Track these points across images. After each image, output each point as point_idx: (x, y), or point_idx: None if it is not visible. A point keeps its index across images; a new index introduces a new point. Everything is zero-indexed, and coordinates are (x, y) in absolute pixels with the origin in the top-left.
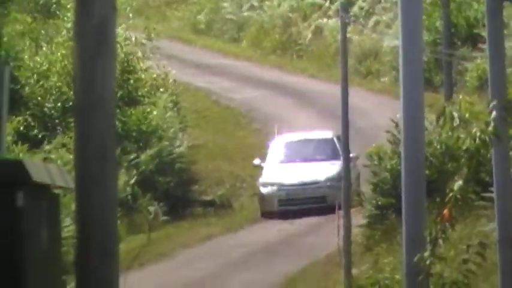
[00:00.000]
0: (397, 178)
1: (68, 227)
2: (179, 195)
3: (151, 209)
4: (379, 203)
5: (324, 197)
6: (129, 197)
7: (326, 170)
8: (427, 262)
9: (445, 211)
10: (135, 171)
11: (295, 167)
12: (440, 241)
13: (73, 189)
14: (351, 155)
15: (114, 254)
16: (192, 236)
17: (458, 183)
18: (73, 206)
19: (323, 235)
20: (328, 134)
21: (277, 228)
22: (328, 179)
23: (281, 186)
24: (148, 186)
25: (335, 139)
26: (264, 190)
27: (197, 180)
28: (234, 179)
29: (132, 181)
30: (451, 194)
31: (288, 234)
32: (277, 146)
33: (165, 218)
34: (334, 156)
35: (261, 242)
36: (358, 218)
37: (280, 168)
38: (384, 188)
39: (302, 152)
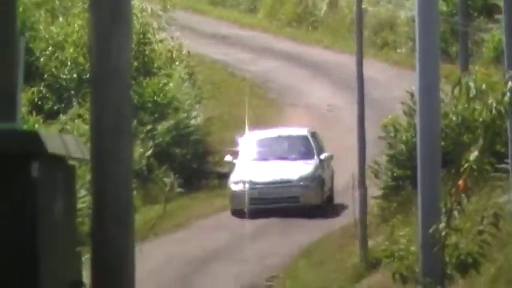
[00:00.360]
0: (413, 150)
1: (83, 198)
2: (195, 167)
3: (167, 180)
4: (395, 174)
5: (297, 197)
6: (145, 168)
7: (300, 169)
8: (443, 233)
9: (460, 182)
10: (151, 143)
11: (268, 165)
12: (456, 212)
13: (89, 160)
14: (325, 154)
15: (130, 224)
16: (207, 207)
17: (473, 155)
18: (88, 177)
19: (339, 206)
20: (302, 131)
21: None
22: (302, 179)
23: (253, 184)
24: (164, 157)
25: (309, 137)
26: (235, 188)
27: (213, 151)
28: None
29: (148, 153)
30: (466, 165)
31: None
32: (249, 143)
33: (180, 189)
34: (308, 154)
35: (276, 213)
36: (374, 190)
37: (253, 166)
38: (400, 159)
39: (275, 150)
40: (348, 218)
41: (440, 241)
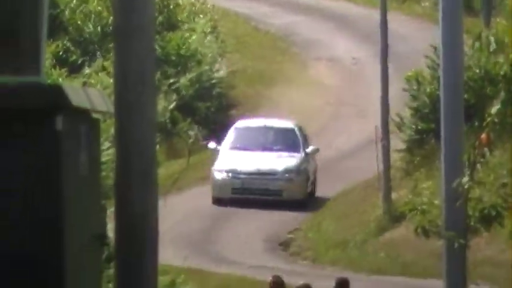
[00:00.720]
0: (437, 103)
1: (107, 151)
2: (218, 120)
3: (191, 133)
4: (419, 127)
5: (281, 190)
6: (168, 121)
7: (284, 161)
8: (466, 187)
9: (483, 136)
10: (174, 96)
11: (252, 155)
12: (479, 166)
13: (113, 113)
14: (311, 147)
15: (153, 177)
16: None
17: (495, 108)
18: (112, 131)
19: (362, 159)
20: (289, 123)
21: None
22: (287, 171)
23: (236, 173)
24: (188, 110)
25: (296, 130)
26: (218, 176)
27: (236, 105)
28: (272, 103)
29: (172, 106)
30: (489, 119)
31: (328, 158)
32: (235, 131)
33: (204, 142)
34: (294, 147)
35: None
36: (397, 143)
37: (237, 155)
38: (423, 112)
39: (261, 140)
40: (371, 171)
41: (463, 194)
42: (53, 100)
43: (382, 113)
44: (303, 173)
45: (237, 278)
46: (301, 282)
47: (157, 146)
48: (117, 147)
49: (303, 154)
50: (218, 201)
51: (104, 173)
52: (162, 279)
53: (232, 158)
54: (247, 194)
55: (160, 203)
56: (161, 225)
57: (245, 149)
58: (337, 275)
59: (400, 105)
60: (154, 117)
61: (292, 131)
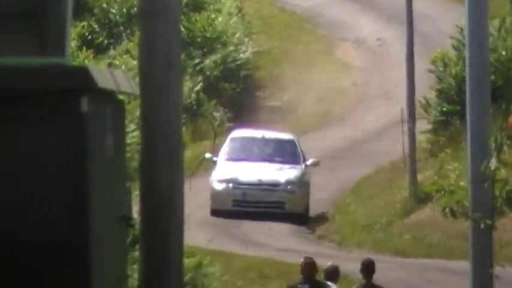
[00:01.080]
0: (462, 84)
1: (132, 133)
2: (244, 101)
3: (217, 115)
4: (444, 109)
5: (283, 202)
6: (194, 103)
7: (286, 173)
8: (493, 168)
9: (511, 118)
10: (200, 77)
11: (252, 166)
12: (506, 147)
13: (138, 95)
14: (311, 160)
15: (179, 159)
16: None
17: None
18: (137, 112)
19: (388, 141)
20: (288, 135)
21: (342, 135)
22: (289, 183)
23: (238, 184)
24: (214, 92)
25: (296, 141)
26: (217, 187)
27: (262, 86)
28: (298, 84)
29: (197, 87)
30: None
31: (354, 140)
32: (231, 142)
33: (230, 124)
34: (295, 159)
35: (326, 148)
36: (422, 124)
37: (235, 166)
38: (449, 94)
39: (259, 151)
40: (397, 153)
41: (490, 176)
42: (78, 82)
43: (407, 94)
44: (305, 185)
45: (262, 260)
46: (329, 263)
47: (183, 128)
48: (142, 129)
49: (304, 166)
50: (217, 213)
51: (128, 155)
52: (188, 261)
53: (231, 168)
54: (248, 207)
55: (186, 185)
56: (186, 207)
57: (243, 159)
58: (363, 256)
59: (426, 87)
60: (179, 98)
61: (291, 142)
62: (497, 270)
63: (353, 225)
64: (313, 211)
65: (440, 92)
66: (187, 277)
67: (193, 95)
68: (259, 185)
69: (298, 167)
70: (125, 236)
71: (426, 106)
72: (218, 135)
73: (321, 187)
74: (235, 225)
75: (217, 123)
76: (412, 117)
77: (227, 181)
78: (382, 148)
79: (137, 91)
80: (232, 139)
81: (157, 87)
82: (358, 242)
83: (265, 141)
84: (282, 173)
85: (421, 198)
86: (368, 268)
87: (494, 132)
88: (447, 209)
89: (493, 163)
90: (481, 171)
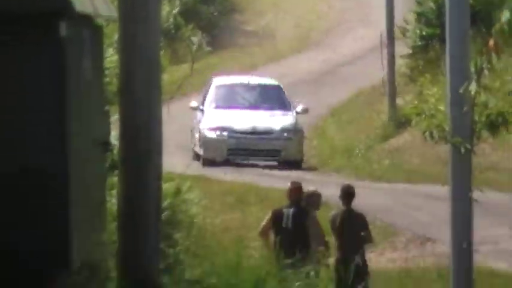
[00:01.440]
0: (442, 7)
1: (111, 57)
2: (222, 25)
3: (194, 39)
4: (424, 33)
5: (279, 151)
6: (172, 27)
7: (280, 120)
8: (472, 92)
9: (491, 41)
10: (177, 1)
11: (243, 113)
12: (486, 71)
13: (116, 18)
14: (300, 106)
15: (157, 83)
16: (235, 66)
17: (505, 16)
18: (116, 37)
19: (367, 65)
20: (273, 80)
21: (320, 59)
22: (284, 130)
23: (232, 132)
24: (191, 16)
25: (281, 87)
26: (210, 135)
27: (240, 10)
28: (275, 8)
29: (175, 11)
30: (497, 25)
31: (333, 64)
32: (216, 89)
33: (208, 48)
34: (283, 106)
35: (304, 72)
36: (402, 48)
37: (226, 114)
38: (428, 17)
39: (247, 98)
40: (376, 77)
41: (470, 100)
42: (56, 5)
43: (387, 18)
44: (300, 132)
45: (241, 184)
46: (310, 188)
47: (161, 52)
48: (120, 53)
49: (295, 113)
50: (210, 162)
51: (107, 79)
52: (167, 187)
53: (221, 116)
54: (243, 155)
55: (164, 108)
56: (165, 131)
57: (232, 107)
58: (342, 182)
59: (405, 11)
60: (158, 22)
61: (278, 88)
62: (476, 194)
63: (332, 150)
64: None
65: (420, 16)
66: (165, 203)
67: (171, 19)
68: (254, 133)
69: (289, 113)
70: (103, 160)
71: (405, 30)
72: (196, 59)
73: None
74: None
75: (195, 47)
76: (391, 41)
77: (220, 129)
78: (361, 72)
79: (115, 14)
80: (218, 87)
81: (136, 10)
82: (337, 167)
83: (250, 87)
84: (276, 120)
85: (400, 122)
86: (347, 194)
87: (474, 56)
88: (427, 133)
89: (473, 87)
90: (460, 95)
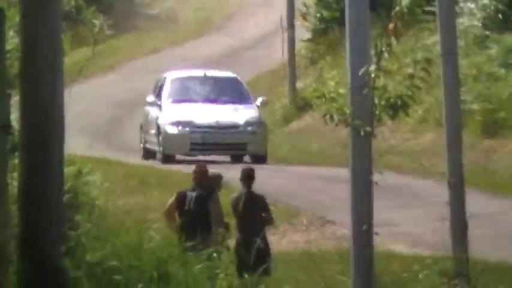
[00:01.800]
0: None
1: (12, 39)
2: (124, 9)
3: (96, 22)
4: (323, 16)
5: (244, 144)
6: (73, 10)
7: (243, 113)
8: (372, 75)
9: (391, 25)
10: None
11: (204, 107)
12: (386, 54)
13: (17, 1)
14: (260, 99)
15: (58, 67)
16: (137, 50)
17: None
18: (17, 19)
19: (268, 49)
20: (229, 73)
21: (223, 43)
22: (248, 123)
23: (195, 127)
24: None
25: (239, 79)
26: (171, 130)
27: None
28: None
29: None
30: (397, 8)
31: (233, 47)
32: (172, 83)
33: (109, 31)
34: (243, 99)
35: (206, 55)
36: (302, 32)
37: (185, 108)
38: (328, 1)
39: (205, 92)
40: (277, 60)
41: (369, 83)
42: None
43: (287, 2)
44: (264, 126)
45: (143, 167)
46: (211, 171)
47: (62, 35)
48: (21, 36)
49: (256, 106)
50: (170, 158)
51: (8, 62)
52: (68, 169)
53: (181, 110)
54: (207, 150)
55: (66, 91)
56: (67, 114)
57: (190, 101)
58: (243, 164)
59: None
60: (59, 5)
61: (235, 80)
62: (376, 177)
63: None
64: None
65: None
66: (67, 185)
67: (73, 2)
68: (217, 128)
69: (252, 106)
70: (3, 142)
71: (306, 14)
72: (98, 42)
73: None
74: (115, 134)
75: (96, 30)
76: (291, 24)
77: (182, 124)
78: (262, 56)
79: None
80: (173, 80)
81: None
82: None
83: (207, 80)
84: (239, 114)
85: (301, 106)
86: (248, 176)
87: (374, 39)
88: (327, 116)
89: (373, 70)
90: (360, 78)
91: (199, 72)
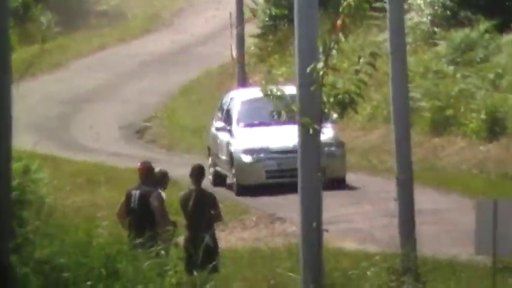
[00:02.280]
0: None
1: None
2: (72, 6)
3: (44, 19)
4: (273, 13)
5: (322, 168)
6: (21, 7)
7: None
8: (320, 73)
9: (339, 21)
10: None
11: (278, 130)
12: (334, 52)
13: None
14: (335, 115)
15: (6, 64)
16: (85, 46)
17: None
18: None
19: (217, 45)
20: (294, 89)
21: (172, 39)
22: (326, 144)
23: (270, 153)
24: None
25: None
26: (245, 159)
27: None
28: None
29: None
30: (345, 4)
31: (183, 44)
32: (241, 105)
33: (57, 28)
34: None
35: (154, 52)
36: (252, 28)
37: (258, 132)
38: None
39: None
40: (226, 57)
41: (318, 80)
42: None
43: None
44: (342, 146)
45: (91, 165)
46: (157, 169)
47: (10, 31)
48: None
49: (332, 123)
50: (246, 189)
51: None
52: (16, 166)
53: (254, 136)
54: (284, 177)
55: (14, 88)
56: (15, 111)
57: (263, 124)
58: (192, 162)
59: None
60: (6, 2)
61: None
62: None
63: (182, 130)
64: (142, 115)
65: None
66: (15, 183)
67: None
68: (293, 152)
69: (328, 124)
70: None
71: (255, 10)
72: (46, 39)
73: (149, 91)
74: (63, 130)
75: (44, 27)
76: (241, 21)
77: (257, 151)
78: (211, 52)
79: None
80: (243, 102)
81: None
82: (187, 147)
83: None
84: None
85: None
86: (197, 173)
87: (322, 36)
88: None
89: (321, 67)
90: (308, 75)
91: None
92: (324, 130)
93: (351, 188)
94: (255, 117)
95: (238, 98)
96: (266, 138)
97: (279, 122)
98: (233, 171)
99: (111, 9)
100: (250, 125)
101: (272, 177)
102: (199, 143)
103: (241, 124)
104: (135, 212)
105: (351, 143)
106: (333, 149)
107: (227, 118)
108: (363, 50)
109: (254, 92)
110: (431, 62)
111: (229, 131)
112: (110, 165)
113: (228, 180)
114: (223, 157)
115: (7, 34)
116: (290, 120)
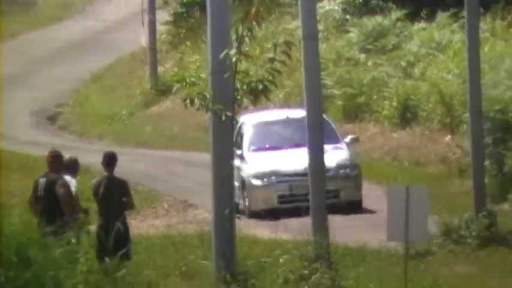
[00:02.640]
0: None
1: None
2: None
3: None
4: (184, 0)
5: (337, 191)
6: None
7: (333, 155)
8: (233, 60)
9: (253, 9)
10: None
11: (289, 153)
12: (247, 39)
13: None
14: (348, 136)
15: None
16: None
17: None
18: None
19: (128, 32)
20: (303, 112)
21: (83, 25)
22: (340, 166)
23: (281, 176)
24: None
25: (325, 116)
26: (257, 183)
27: None
28: None
29: None
30: None
31: (95, 30)
32: (253, 129)
33: None
34: (331, 138)
35: (66, 39)
36: (164, 15)
37: (269, 156)
38: None
39: (288, 135)
40: (138, 44)
41: (231, 67)
42: None
43: None
44: (358, 168)
45: (4, 151)
46: (67, 156)
47: None
48: None
49: (345, 144)
50: (257, 215)
51: None
52: None
53: (265, 160)
54: (297, 201)
55: None
56: None
57: (274, 148)
58: (104, 149)
59: None
60: None
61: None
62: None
63: (94, 117)
64: (54, 102)
65: None
66: None
67: None
68: (305, 175)
69: (341, 146)
70: None
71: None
72: None
73: (61, 78)
74: None
75: None
76: (152, 8)
77: (268, 175)
78: (123, 39)
79: None
80: (254, 126)
81: None
82: (99, 134)
83: (290, 122)
84: (328, 157)
85: (161, 90)
86: (109, 160)
87: (235, 24)
88: (187, 100)
89: (234, 54)
90: (221, 62)
91: (279, 114)
92: (337, 152)
93: None
94: (266, 141)
95: (248, 122)
96: (277, 161)
97: (289, 144)
98: (245, 196)
99: None
100: (262, 149)
101: (284, 202)
102: (112, 129)
103: (253, 148)
104: (42, 200)
105: None
106: (348, 170)
107: (238, 143)
108: (276, 38)
109: (264, 115)
110: (343, 49)
111: (240, 156)
112: (21, 152)
113: (240, 206)
114: (236, 183)
115: None
116: (299, 143)
